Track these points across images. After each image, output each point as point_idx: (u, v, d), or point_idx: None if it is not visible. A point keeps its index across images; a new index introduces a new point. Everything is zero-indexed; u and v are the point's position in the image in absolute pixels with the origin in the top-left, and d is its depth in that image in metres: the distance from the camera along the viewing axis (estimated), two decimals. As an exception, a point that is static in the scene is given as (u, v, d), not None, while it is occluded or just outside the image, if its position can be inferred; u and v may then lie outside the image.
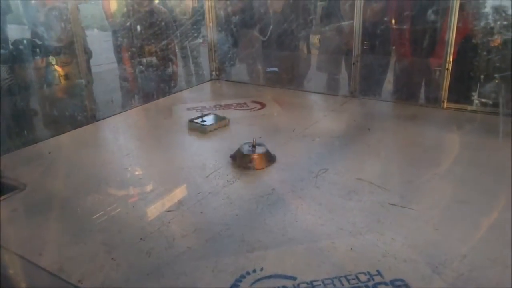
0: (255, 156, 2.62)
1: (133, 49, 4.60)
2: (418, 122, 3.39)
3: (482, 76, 3.51)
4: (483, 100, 3.46)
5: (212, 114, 3.50)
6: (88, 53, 4.13)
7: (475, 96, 3.47)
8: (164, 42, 4.69)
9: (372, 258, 1.76)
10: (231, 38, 4.92)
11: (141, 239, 1.94)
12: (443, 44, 3.54)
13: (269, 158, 2.68)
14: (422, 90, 4.02)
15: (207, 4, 4.70)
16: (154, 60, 4.61)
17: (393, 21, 4.06)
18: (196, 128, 3.26)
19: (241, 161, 2.64)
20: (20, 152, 3.00)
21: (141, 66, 4.61)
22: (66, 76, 3.81)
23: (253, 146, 2.68)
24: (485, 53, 3.51)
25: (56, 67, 3.78)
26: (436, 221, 2.00)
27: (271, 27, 4.59)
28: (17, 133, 3.51)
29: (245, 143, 2.72)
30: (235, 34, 4.92)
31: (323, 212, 2.10)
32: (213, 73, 4.89)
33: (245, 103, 3.93)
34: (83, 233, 2.00)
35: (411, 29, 4.01)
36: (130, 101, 4.79)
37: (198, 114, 3.43)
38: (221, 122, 3.33)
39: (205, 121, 3.31)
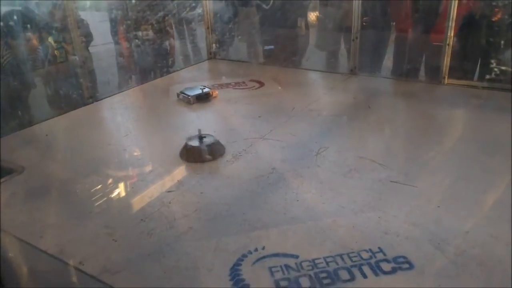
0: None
1: (128, 22, 4.51)
2: (419, 99, 3.35)
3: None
4: (503, 68, 3.36)
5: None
6: (88, 37, 4.08)
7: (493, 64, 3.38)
8: (161, 14, 4.59)
9: (374, 235, 1.75)
10: (229, 12, 4.82)
11: (141, 220, 1.93)
12: (444, 19, 3.48)
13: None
14: (423, 66, 3.97)
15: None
16: (150, 34, 4.52)
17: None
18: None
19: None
20: (17, 134, 2.98)
21: (137, 40, 4.52)
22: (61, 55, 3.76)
23: (200, 138, 2.51)
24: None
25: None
26: (438, 199, 1.99)
27: None
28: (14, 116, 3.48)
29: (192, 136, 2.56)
30: (232, 9, 4.82)
31: (324, 191, 2.09)
32: (211, 52, 4.82)
33: (244, 82, 3.88)
34: (83, 215, 1.99)
35: (411, 3, 3.94)
36: (127, 82, 4.74)
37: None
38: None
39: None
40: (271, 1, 4.50)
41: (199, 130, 2.54)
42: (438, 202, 1.97)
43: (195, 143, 2.49)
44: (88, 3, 5.10)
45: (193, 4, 4.71)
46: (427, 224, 1.82)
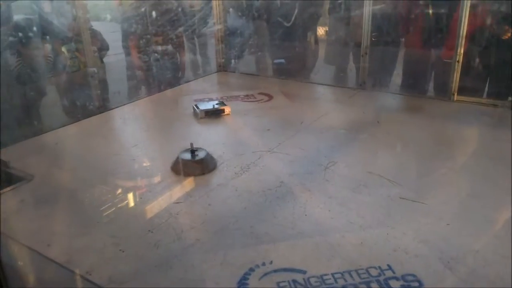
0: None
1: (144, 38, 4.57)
2: (429, 115, 3.34)
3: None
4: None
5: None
6: (104, 49, 4.14)
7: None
8: (181, 29, 4.66)
9: (383, 252, 1.74)
10: (239, 29, 4.87)
11: (149, 231, 1.93)
12: (454, 36, 3.48)
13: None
14: (432, 82, 3.96)
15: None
16: (161, 46, 4.57)
17: (403, 12, 4.00)
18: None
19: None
20: (27, 142, 3.00)
21: (145, 56, 4.58)
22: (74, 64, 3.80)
23: (193, 152, 2.50)
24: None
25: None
26: (448, 216, 1.97)
27: (296, 11, 4.49)
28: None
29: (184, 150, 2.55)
30: (243, 25, 4.87)
31: (332, 205, 2.08)
32: (220, 64, 4.86)
33: (252, 95, 3.90)
34: (91, 225, 1.99)
35: (421, 20, 3.95)
36: (137, 92, 4.78)
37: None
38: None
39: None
40: (293, 18, 4.52)
41: (191, 144, 2.53)
42: (448, 219, 1.95)
43: (186, 156, 2.49)
44: (108, 16, 5.16)
45: (214, 20, 4.76)
46: (437, 241, 1.80)
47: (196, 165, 2.45)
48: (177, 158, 2.50)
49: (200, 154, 2.51)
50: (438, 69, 3.91)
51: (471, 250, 1.74)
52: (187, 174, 2.42)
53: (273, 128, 3.04)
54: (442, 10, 3.72)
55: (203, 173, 2.44)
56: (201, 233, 1.91)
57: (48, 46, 3.75)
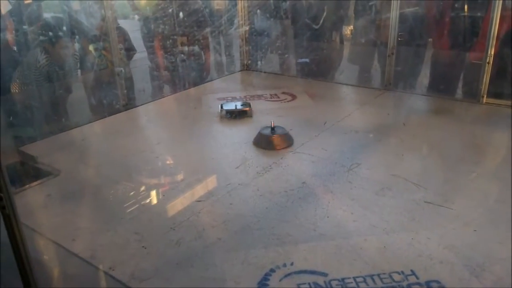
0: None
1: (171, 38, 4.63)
2: (456, 117, 3.27)
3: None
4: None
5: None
6: (132, 50, 4.21)
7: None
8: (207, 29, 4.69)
9: (407, 257, 1.70)
10: (266, 30, 4.88)
11: (171, 228, 1.94)
12: (484, 37, 3.39)
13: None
14: (460, 84, 3.87)
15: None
16: (186, 45, 4.62)
17: (431, 13, 3.92)
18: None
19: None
20: (55, 138, 3.07)
21: (172, 57, 4.64)
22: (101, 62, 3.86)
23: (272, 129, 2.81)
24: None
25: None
26: (475, 222, 1.92)
27: (324, 14, 4.47)
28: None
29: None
30: (270, 26, 4.88)
31: (355, 208, 2.05)
32: (244, 63, 4.86)
33: (276, 94, 3.89)
34: (115, 221, 2.02)
35: (450, 21, 3.86)
36: (161, 90, 4.83)
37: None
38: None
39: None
40: (321, 21, 4.50)
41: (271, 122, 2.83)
42: (475, 225, 1.90)
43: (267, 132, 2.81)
44: (136, 16, 5.23)
45: (241, 22, 4.78)
46: (463, 248, 1.75)
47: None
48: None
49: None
50: (468, 70, 3.81)
51: (498, 257, 1.69)
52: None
53: (296, 128, 3.02)
54: (472, 11, 3.62)
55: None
56: (222, 232, 1.91)
57: (76, 45, 3.82)
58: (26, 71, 3.43)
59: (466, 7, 3.68)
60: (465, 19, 3.70)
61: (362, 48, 4.58)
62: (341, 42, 4.79)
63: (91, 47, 3.81)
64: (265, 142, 2.78)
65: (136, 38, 4.96)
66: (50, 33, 3.60)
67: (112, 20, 3.52)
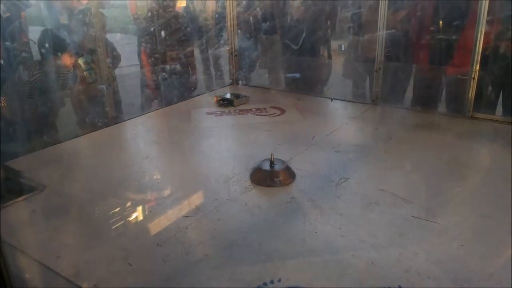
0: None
1: (156, 55, 4.65)
2: (443, 132, 3.30)
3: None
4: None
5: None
6: (116, 57, 4.19)
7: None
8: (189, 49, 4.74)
9: (394, 273, 1.70)
10: (252, 44, 4.91)
11: (157, 244, 1.92)
12: (464, 52, 3.45)
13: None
14: (447, 99, 3.92)
15: (228, 7, 4.69)
16: (178, 67, 4.65)
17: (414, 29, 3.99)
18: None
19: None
20: (40, 153, 3.03)
21: (164, 73, 4.65)
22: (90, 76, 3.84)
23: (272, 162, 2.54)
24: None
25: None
26: (462, 237, 1.92)
27: (304, 35, 4.54)
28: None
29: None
30: (256, 40, 4.91)
31: (343, 223, 2.05)
32: (233, 77, 4.88)
33: (264, 108, 3.90)
34: (100, 237, 1.99)
35: (430, 37, 3.92)
36: (150, 104, 4.82)
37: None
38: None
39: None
40: (301, 41, 4.55)
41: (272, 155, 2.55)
42: (461, 240, 1.90)
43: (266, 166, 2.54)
44: (130, 27, 5.23)
45: (222, 41, 4.82)
46: (450, 263, 1.75)
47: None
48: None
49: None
50: (451, 85, 3.86)
51: (485, 272, 1.70)
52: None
53: (284, 142, 3.03)
54: (450, 27, 3.69)
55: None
56: (210, 248, 1.89)
57: (64, 59, 3.80)
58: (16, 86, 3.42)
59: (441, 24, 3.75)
60: (442, 39, 3.77)
61: (354, 63, 4.63)
62: (329, 57, 4.84)
63: (80, 61, 3.78)
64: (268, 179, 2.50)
65: (129, 51, 4.98)
66: (42, 50, 3.61)
67: (100, 34, 3.51)
